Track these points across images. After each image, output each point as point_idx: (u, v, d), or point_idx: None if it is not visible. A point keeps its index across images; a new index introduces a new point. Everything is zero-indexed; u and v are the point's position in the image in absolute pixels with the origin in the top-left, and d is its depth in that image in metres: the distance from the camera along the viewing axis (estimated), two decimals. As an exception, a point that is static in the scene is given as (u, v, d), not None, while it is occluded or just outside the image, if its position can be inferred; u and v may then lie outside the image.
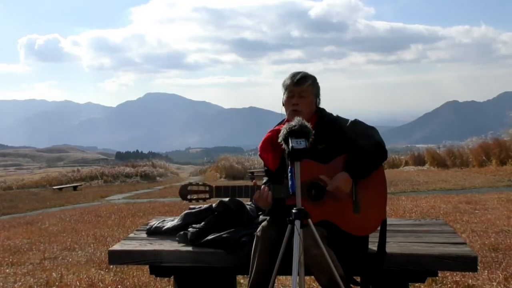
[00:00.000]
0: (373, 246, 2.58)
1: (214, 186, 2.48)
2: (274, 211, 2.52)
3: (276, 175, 2.55)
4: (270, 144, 2.56)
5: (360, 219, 2.46)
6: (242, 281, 3.62)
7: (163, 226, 3.08)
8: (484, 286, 3.36)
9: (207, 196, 2.47)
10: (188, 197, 2.47)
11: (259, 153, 2.66)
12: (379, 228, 2.51)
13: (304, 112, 2.50)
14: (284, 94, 2.59)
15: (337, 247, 2.39)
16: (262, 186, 2.43)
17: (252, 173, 18.01)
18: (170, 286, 3.69)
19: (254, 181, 2.53)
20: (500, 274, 3.53)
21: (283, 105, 2.61)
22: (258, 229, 2.49)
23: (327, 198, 2.45)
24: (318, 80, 2.66)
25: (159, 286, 3.77)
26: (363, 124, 2.56)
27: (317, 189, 2.45)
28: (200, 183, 2.50)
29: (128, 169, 23.14)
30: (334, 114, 2.62)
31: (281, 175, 2.48)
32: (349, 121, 2.56)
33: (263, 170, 2.52)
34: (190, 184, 2.49)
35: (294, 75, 2.58)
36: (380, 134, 2.58)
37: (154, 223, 3.17)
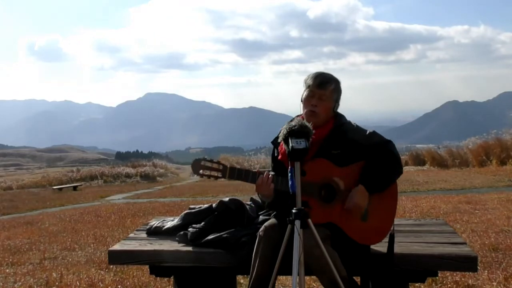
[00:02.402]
0: (373, 246, 2.58)
1: (228, 166, 2.42)
2: (284, 206, 2.50)
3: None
4: None
5: (366, 227, 2.46)
6: (242, 281, 3.62)
7: (163, 226, 3.08)
8: (484, 286, 3.36)
9: (220, 175, 2.40)
10: (200, 171, 2.40)
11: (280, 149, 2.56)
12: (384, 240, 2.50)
13: (321, 115, 2.47)
14: (304, 91, 2.55)
15: (340, 249, 2.38)
16: (266, 172, 2.41)
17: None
18: (170, 286, 3.69)
19: (257, 169, 2.49)
20: (500, 274, 3.53)
21: (301, 101, 2.56)
22: (261, 229, 2.47)
23: (337, 201, 2.44)
24: None
25: (159, 286, 3.77)
26: (381, 136, 2.55)
27: (328, 190, 2.44)
28: (214, 160, 2.42)
29: (128, 169, 23.11)
30: (354, 123, 2.59)
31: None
32: (367, 131, 2.54)
33: (262, 170, 2.48)
34: (204, 159, 2.42)
35: (318, 76, 2.52)
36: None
37: (154, 223, 3.17)
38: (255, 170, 2.45)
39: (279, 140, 2.23)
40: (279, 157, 2.56)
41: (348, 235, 2.44)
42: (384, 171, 2.45)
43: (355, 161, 2.47)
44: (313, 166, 2.38)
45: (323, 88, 2.50)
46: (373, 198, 2.46)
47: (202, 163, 2.42)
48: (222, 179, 2.44)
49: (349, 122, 2.59)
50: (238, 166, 2.52)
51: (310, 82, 2.53)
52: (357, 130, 2.55)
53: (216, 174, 2.41)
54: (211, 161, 2.43)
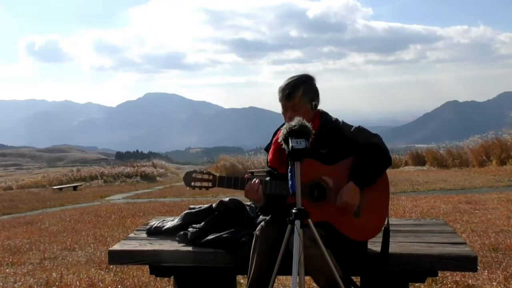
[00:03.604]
0: (372, 246, 2.58)
1: (217, 175, 2.49)
2: (275, 210, 2.52)
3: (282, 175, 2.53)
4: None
5: (360, 224, 2.46)
6: (242, 281, 3.62)
7: (163, 226, 3.08)
8: (484, 286, 3.36)
9: (210, 185, 2.48)
10: (192, 184, 2.48)
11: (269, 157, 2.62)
12: (379, 234, 2.50)
13: None
14: (280, 103, 2.56)
15: (335, 248, 2.38)
16: (254, 179, 2.44)
17: (252, 173, 18.04)
18: (170, 286, 3.69)
19: (247, 175, 2.53)
20: (500, 274, 3.54)
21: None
22: (257, 228, 2.48)
23: (329, 200, 2.45)
24: (317, 80, 2.59)
25: (159, 286, 3.77)
26: (367, 131, 2.55)
27: (319, 189, 2.45)
28: (204, 172, 2.50)
29: (128, 169, 23.09)
30: (340, 120, 2.60)
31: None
32: (353, 127, 2.55)
33: (263, 170, 2.51)
34: (195, 171, 2.49)
35: (284, 88, 2.52)
36: (380, 134, 2.58)
37: (154, 223, 3.17)
38: (245, 177, 2.49)
39: (279, 140, 2.23)
40: (269, 163, 2.60)
41: (342, 233, 2.44)
42: (372, 165, 2.45)
43: (343, 158, 2.48)
44: (302, 167, 2.38)
45: (291, 99, 2.49)
46: (365, 194, 2.46)
47: (193, 175, 2.49)
48: (214, 188, 2.50)
49: (336, 120, 2.60)
50: (247, 170, 2.57)
51: (279, 95, 2.54)
52: (344, 127, 2.56)
53: (206, 185, 2.48)
54: (201, 172, 2.50)
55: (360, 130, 2.55)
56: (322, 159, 2.46)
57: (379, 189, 2.51)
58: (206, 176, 2.48)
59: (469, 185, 10.10)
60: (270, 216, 2.60)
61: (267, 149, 2.67)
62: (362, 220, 2.46)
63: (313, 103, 2.54)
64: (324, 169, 2.46)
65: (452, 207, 6.92)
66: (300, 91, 2.50)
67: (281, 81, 2.59)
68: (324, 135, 2.50)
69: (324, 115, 2.60)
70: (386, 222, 2.49)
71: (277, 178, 2.50)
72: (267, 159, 2.68)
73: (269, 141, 2.68)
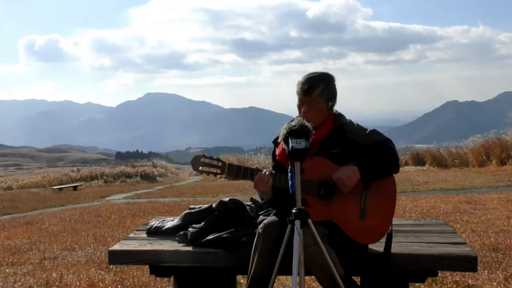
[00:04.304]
0: (372, 245, 2.58)
1: (227, 163, 2.45)
2: (281, 204, 2.50)
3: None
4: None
5: (364, 227, 2.46)
6: (242, 281, 3.62)
7: (163, 226, 3.08)
8: (484, 286, 3.36)
9: (219, 171, 2.43)
10: (200, 168, 2.44)
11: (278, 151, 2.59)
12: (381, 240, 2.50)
13: (314, 120, 2.43)
14: (297, 96, 2.56)
15: (338, 247, 2.38)
16: (264, 170, 2.43)
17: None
18: (170, 286, 3.69)
19: (256, 166, 2.51)
20: (500, 274, 3.53)
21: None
22: (260, 226, 2.47)
23: (336, 199, 2.44)
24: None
25: (159, 286, 3.77)
26: (380, 135, 2.55)
27: (327, 188, 2.45)
28: (213, 157, 2.46)
29: (128, 169, 23.10)
30: (354, 122, 2.59)
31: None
32: (367, 130, 2.55)
33: (263, 170, 2.49)
34: (204, 156, 2.46)
35: (304, 82, 2.51)
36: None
37: (154, 223, 3.17)
38: (254, 167, 2.46)
39: (279, 141, 2.23)
40: (277, 158, 2.57)
41: (345, 233, 2.44)
42: (379, 162, 2.46)
43: (354, 160, 2.47)
44: (311, 164, 2.37)
45: (309, 95, 2.48)
46: (372, 197, 2.46)
47: (202, 159, 2.45)
48: (223, 179, 2.47)
49: (350, 122, 2.59)
50: (237, 164, 2.53)
51: (298, 88, 2.53)
52: (357, 129, 2.56)
53: (215, 171, 2.44)
54: (210, 157, 2.46)
55: (374, 133, 2.55)
56: (332, 159, 2.46)
57: (386, 194, 2.52)
58: (215, 162, 2.44)
59: (469, 185, 10.10)
60: (272, 215, 2.59)
61: (275, 142, 2.62)
62: (367, 222, 2.46)
63: (330, 103, 2.54)
64: (334, 168, 2.45)
65: (452, 207, 6.92)
66: (319, 89, 2.49)
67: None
68: (336, 137, 2.50)
69: (338, 116, 2.59)
70: (390, 228, 2.49)
71: (282, 172, 2.48)
72: (273, 152, 2.65)
73: (277, 135, 2.66)
